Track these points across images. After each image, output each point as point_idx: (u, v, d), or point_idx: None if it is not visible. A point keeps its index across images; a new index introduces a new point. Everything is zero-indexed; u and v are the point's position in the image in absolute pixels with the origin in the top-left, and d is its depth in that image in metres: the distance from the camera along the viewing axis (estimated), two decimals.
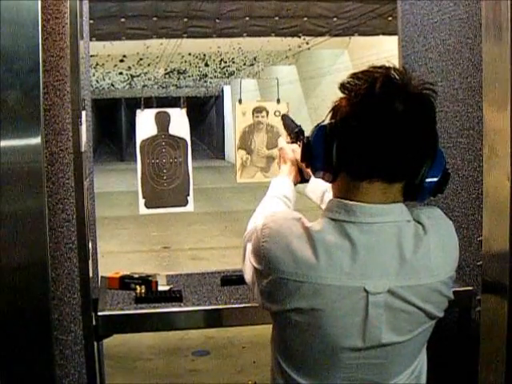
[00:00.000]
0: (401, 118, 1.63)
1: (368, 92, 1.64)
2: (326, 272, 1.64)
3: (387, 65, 1.70)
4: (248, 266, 1.87)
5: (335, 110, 1.73)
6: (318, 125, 1.77)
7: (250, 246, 1.85)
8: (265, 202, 2.22)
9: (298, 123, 2.52)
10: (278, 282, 1.68)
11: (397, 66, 1.71)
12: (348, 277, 1.65)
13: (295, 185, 2.35)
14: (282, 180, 2.34)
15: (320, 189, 2.32)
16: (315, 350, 1.71)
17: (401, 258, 1.67)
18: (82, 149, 2.55)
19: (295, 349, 1.75)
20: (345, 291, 1.65)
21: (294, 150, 2.40)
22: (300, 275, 1.65)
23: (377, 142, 1.63)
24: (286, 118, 2.66)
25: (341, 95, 1.73)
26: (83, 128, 2.60)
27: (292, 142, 2.47)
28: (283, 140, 2.51)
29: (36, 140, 2.18)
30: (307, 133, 1.89)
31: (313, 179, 2.31)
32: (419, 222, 1.72)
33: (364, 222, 1.67)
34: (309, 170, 2.35)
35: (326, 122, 1.75)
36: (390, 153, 1.63)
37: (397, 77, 1.66)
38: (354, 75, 1.71)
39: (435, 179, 1.74)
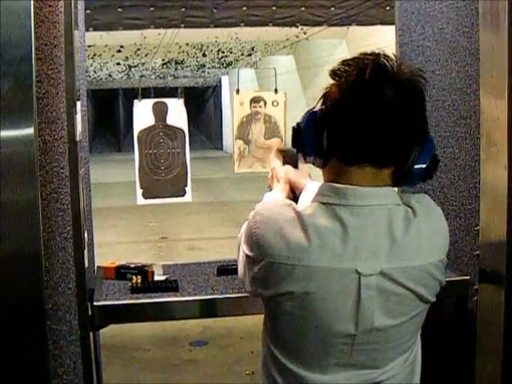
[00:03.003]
0: (390, 103, 1.65)
1: (358, 78, 1.66)
2: (318, 255, 1.66)
3: (377, 51, 1.71)
4: (241, 259, 1.88)
5: (326, 96, 1.75)
6: (308, 111, 1.79)
7: (242, 236, 1.86)
8: None
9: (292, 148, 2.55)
10: (271, 266, 1.69)
11: (388, 53, 1.72)
12: (340, 259, 1.66)
13: None
14: (275, 193, 2.38)
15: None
16: (308, 335, 1.72)
17: (391, 240, 1.69)
18: (77, 138, 2.53)
19: (288, 335, 1.76)
20: (337, 273, 1.67)
21: (287, 171, 2.47)
22: (292, 259, 1.67)
23: (366, 127, 1.65)
24: (278, 152, 2.69)
25: (329, 83, 1.75)
26: (78, 117, 2.58)
27: (285, 164, 2.53)
28: (276, 161, 2.57)
29: (29, 129, 2.17)
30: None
31: (300, 197, 2.33)
32: (409, 206, 1.74)
33: (354, 204, 1.69)
34: (300, 185, 2.38)
35: (317, 108, 1.77)
36: (379, 138, 1.65)
37: (387, 63, 1.68)
38: (344, 62, 1.73)
39: (424, 165, 1.76)
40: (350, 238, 1.67)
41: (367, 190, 1.70)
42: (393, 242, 1.68)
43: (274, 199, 2.21)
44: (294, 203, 1.81)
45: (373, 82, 1.65)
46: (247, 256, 1.78)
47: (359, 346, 1.71)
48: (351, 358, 1.73)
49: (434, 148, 1.80)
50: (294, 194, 2.41)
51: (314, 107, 1.78)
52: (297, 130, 1.81)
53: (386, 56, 1.70)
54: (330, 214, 1.69)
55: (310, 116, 1.77)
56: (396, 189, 1.80)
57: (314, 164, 1.81)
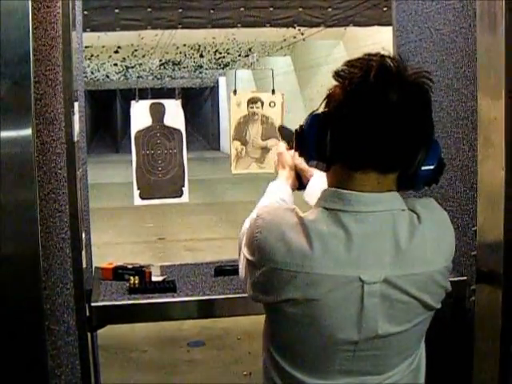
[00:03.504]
0: (395, 106, 1.60)
1: (362, 80, 1.62)
2: (321, 262, 1.63)
3: (382, 52, 1.68)
4: (241, 261, 1.87)
5: (329, 98, 1.71)
6: (311, 113, 1.75)
7: (243, 240, 1.84)
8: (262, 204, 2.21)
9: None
10: (272, 272, 1.67)
11: (393, 54, 1.69)
12: (343, 266, 1.63)
13: (293, 191, 2.34)
14: (279, 184, 2.34)
15: (318, 193, 2.31)
16: (310, 342, 1.70)
17: (396, 247, 1.65)
18: (75, 139, 2.54)
19: (289, 341, 1.73)
20: (340, 281, 1.64)
21: (293, 156, 2.40)
22: (294, 265, 1.64)
23: (371, 131, 1.61)
24: (283, 129, 2.65)
25: (333, 85, 1.70)
26: (76, 118, 2.59)
27: (291, 149, 2.44)
28: (282, 145, 2.50)
29: (27, 130, 2.17)
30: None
31: (310, 184, 2.30)
32: (414, 212, 1.71)
33: (359, 211, 1.66)
34: (308, 172, 2.35)
35: (320, 110, 1.73)
36: (384, 142, 1.61)
37: (392, 65, 1.63)
38: (348, 63, 1.69)
39: (430, 168, 1.73)
40: (353, 245, 1.63)
41: (372, 196, 1.67)
42: (397, 250, 1.65)
43: (278, 202, 2.18)
44: (296, 208, 1.77)
45: (378, 84, 1.60)
46: (248, 260, 1.75)
47: (362, 352, 1.69)
48: (354, 364, 1.70)
49: (439, 151, 1.76)
50: (300, 180, 2.38)
51: (316, 109, 1.74)
52: (299, 133, 1.78)
53: (391, 57, 1.65)
54: (334, 221, 1.65)
55: (313, 119, 1.73)
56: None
57: (317, 167, 1.78)
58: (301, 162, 2.39)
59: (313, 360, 1.72)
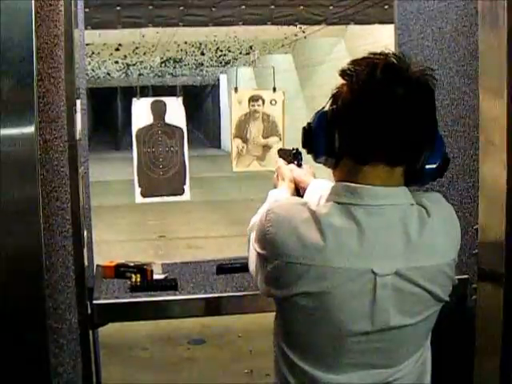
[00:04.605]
0: (401, 102, 1.65)
1: (369, 77, 1.67)
2: (334, 255, 1.66)
3: (386, 51, 1.72)
4: (252, 255, 1.89)
5: (336, 96, 1.75)
6: (318, 111, 1.79)
7: (254, 234, 1.86)
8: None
9: (294, 147, 2.56)
10: (285, 266, 1.69)
11: (397, 52, 1.75)
12: (356, 259, 1.66)
13: None
14: (280, 190, 2.38)
15: (316, 195, 2.33)
16: (322, 334, 1.72)
17: (407, 240, 1.69)
18: (77, 137, 2.54)
19: (301, 335, 1.75)
20: (353, 273, 1.66)
21: (292, 170, 2.47)
22: (307, 258, 1.66)
23: (378, 126, 1.65)
24: (281, 151, 2.72)
25: (339, 83, 1.75)
26: (78, 116, 2.59)
27: (289, 163, 2.53)
28: (281, 160, 2.57)
29: (30, 128, 2.18)
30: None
31: (308, 190, 2.33)
32: (422, 206, 1.74)
33: (370, 204, 1.69)
34: (306, 183, 2.39)
35: (327, 108, 1.77)
36: (391, 137, 1.66)
37: (396, 62, 1.69)
38: (354, 61, 1.73)
39: (436, 164, 1.78)
40: (365, 238, 1.67)
41: (382, 190, 1.70)
42: (408, 242, 1.69)
43: (285, 197, 2.21)
44: (308, 202, 1.80)
45: (384, 80, 1.65)
46: (259, 254, 1.77)
47: (373, 344, 1.72)
48: (365, 357, 1.73)
49: (444, 146, 1.82)
50: (298, 193, 2.41)
51: (323, 107, 1.78)
52: (308, 131, 1.81)
53: (395, 55, 1.71)
54: (346, 214, 1.68)
55: (321, 116, 1.77)
56: None
57: (325, 164, 1.80)
58: (299, 175, 2.45)
59: (324, 353, 1.75)
